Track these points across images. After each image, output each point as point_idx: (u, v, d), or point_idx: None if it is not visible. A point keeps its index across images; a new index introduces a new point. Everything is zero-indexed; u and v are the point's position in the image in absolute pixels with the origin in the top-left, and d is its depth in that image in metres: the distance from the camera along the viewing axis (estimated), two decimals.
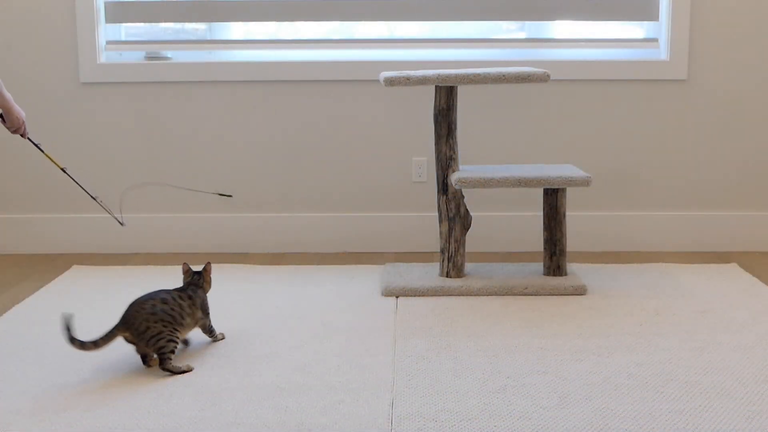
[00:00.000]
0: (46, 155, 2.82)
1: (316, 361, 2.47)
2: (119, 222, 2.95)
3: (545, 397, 2.21)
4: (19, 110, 2.73)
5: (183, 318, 2.49)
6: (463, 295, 3.07)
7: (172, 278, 3.32)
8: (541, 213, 3.24)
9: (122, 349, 2.57)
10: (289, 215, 3.76)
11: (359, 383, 2.30)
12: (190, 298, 2.55)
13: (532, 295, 3.07)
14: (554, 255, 3.19)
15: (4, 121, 2.72)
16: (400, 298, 3.04)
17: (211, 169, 3.74)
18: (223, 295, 3.11)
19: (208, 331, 2.62)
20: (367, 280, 3.28)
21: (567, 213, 3.51)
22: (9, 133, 2.75)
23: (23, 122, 2.75)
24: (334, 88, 3.68)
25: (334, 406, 2.16)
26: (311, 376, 2.36)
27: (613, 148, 3.71)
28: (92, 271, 3.46)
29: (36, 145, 2.81)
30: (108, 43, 3.71)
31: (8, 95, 2.71)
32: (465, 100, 3.60)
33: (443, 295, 3.07)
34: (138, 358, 2.47)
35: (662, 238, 3.75)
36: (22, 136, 2.77)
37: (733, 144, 3.71)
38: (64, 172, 2.87)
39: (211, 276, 2.68)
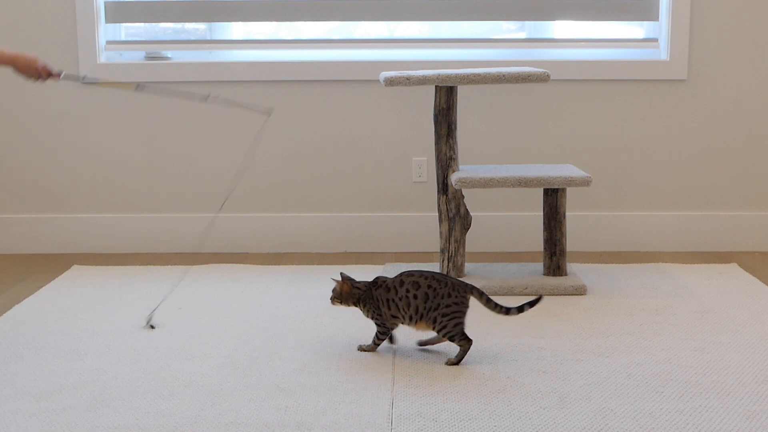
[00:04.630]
0: (104, 83, 2.72)
1: (316, 361, 2.47)
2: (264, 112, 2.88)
3: (545, 397, 2.21)
4: (26, 56, 2.60)
5: None
6: None
7: (171, 278, 3.33)
8: (541, 213, 3.24)
9: (121, 349, 2.57)
10: (289, 215, 3.76)
11: (359, 383, 2.30)
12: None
13: (532, 295, 3.07)
14: (554, 255, 3.19)
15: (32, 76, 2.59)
16: None
17: (211, 169, 3.74)
18: (224, 295, 3.11)
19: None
20: (367, 280, 3.27)
21: (567, 213, 3.51)
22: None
23: (41, 66, 2.61)
24: (334, 88, 3.68)
25: (334, 406, 2.16)
26: (311, 376, 2.36)
27: (614, 148, 3.71)
28: (92, 271, 3.46)
29: (82, 79, 2.71)
30: (108, 43, 3.71)
31: (5, 50, 2.57)
32: (465, 100, 3.60)
33: None
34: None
35: (662, 238, 3.75)
36: (51, 76, 2.64)
37: (733, 144, 3.71)
38: (138, 88, 2.78)
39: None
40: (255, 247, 3.77)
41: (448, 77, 3.04)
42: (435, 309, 2.43)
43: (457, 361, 2.43)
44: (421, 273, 2.48)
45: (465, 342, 2.45)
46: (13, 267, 3.56)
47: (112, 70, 3.67)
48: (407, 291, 2.45)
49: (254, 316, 2.88)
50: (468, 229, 3.20)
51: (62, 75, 2.72)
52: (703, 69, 3.66)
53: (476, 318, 2.82)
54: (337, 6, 3.68)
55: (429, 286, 2.44)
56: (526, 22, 3.77)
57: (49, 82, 2.71)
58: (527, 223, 3.71)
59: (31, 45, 3.64)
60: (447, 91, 3.13)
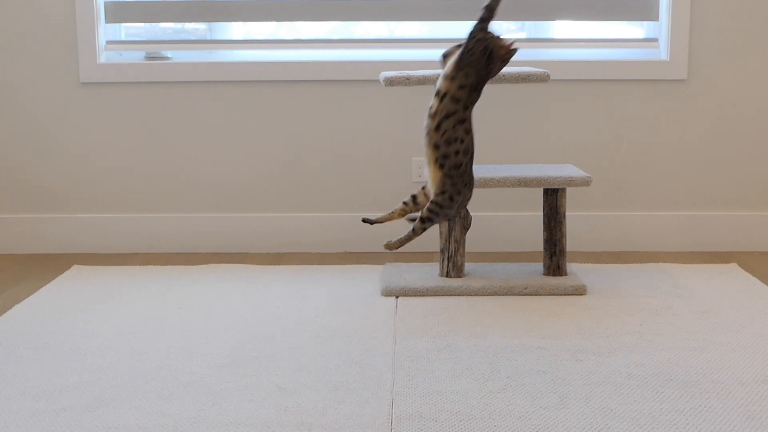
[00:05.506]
0: None
1: (316, 361, 2.47)
2: None
3: (545, 397, 2.21)
4: None
5: None
6: (463, 295, 3.07)
7: (171, 278, 3.33)
8: (541, 213, 3.24)
9: (121, 349, 2.57)
10: (289, 215, 3.76)
11: (359, 383, 2.30)
12: None
13: (532, 295, 3.07)
14: (554, 255, 3.19)
15: None
16: (400, 298, 3.04)
17: (210, 169, 3.74)
18: (224, 295, 3.11)
19: None
20: (367, 280, 3.28)
21: (567, 213, 3.51)
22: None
23: None
24: (334, 88, 3.69)
25: (334, 406, 2.16)
26: (311, 376, 2.36)
27: (613, 148, 3.71)
28: (92, 271, 3.46)
29: None
30: (108, 43, 3.71)
31: None
32: None
33: (443, 295, 3.07)
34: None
35: (662, 238, 3.75)
36: None
37: (733, 144, 3.71)
38: None
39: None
40: (255, 247, 3.77)
41: None
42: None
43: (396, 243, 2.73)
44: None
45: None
46: (13, 267, 3.56)
47: (112, 70, 3.67)
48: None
49: (254, 316, 2.88)
50: (468, 229, 3.20)
51: None
52: (703, 69, 3.66)
53: (476, 318, 2.83)
54: (337, 6, 3.68)
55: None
56: (526, 22, 3.77)
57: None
58: (527, 223, 3.71)
59: (30, 45, 3.65)
60: None
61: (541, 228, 3.25)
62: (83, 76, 3.66)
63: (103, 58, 3.70)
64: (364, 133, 3.72)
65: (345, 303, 3.00)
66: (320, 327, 2.76)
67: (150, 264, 3.58)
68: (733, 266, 3.45)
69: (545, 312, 2.88)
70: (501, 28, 3.80)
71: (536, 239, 3.61)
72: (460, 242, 3.18)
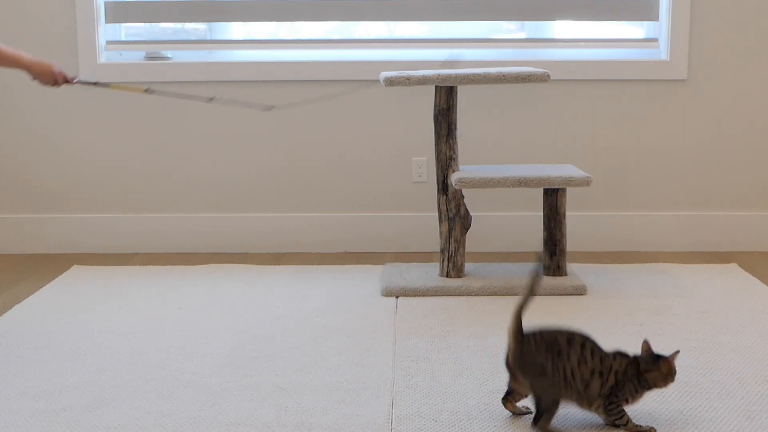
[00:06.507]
0: (115, 87, 2.86)
1: (316, 361, 2.47)
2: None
3: None
4: (42, 63, 2.70)
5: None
6: (463, 295, 3.07)
7: (171, 278, 3.33)
8: (541, 213, 3.24)
9: (121, 349, 2.57)
10: (289, 215, 3.76)
11: (359, 383, 2.30)
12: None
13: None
14: (554, 255, 3.19)
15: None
16: (400, 298, 3.04)
17: (211, 169, 3.74)
18: (224, 295, 3.11)
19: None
20: (367, 280, 3.28)
21: (567, 213, 3.51)
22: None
23: (57, 72, 2.71)
24: (334, 88, 3.68)
25: (334, 406, 2.16)
26: (311, 376, 2.36)
27: (613, 148, 3.71)
28: (92, 271, 3.46)
29: (95, 84, 2.83)
30: (108, 43, 3.71)
31: (19, 54, 2.67)
32: (465, 100, 3.60)
33: (443, 295, 3.07)
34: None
35: (662, 238, 3.75)
36: (68, 82, 2.74)
37: (733, 144, 3.71)
38: (148, 91, 2.97)
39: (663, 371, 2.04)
40: (255, 247, 3.77)
41: (448, 77, 3.04)
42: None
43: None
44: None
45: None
46: (13, 267, 3.56)
47: (112, 70, 3.67)
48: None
49: (254, 316, 2.88)
50: (468, 229, 3.20)
51: (76, 80, 2.81)
52: (703, 69, 3.66)
53: (476, 318, 2.83)
54: (337, 6, 3.68)
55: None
56: (526, 22, 3.77)
57: (65, 86, 2.82)
58: (527, 223, 3.70)
59: (31, 45, 3.64)
60: (447, 91, 3.13)
61: (541, 228, 3.25)
62: (83, 76, 3.66)
63: (103, 58, 3.69)
64: (364, 133, 3.72)
65: (345, 303, 3.00)
66: (320, 327, 2.76)
67: (150, 264, 3.58)
68: (733, 266, 3.45)
69: (545, 312, 2.88)
70: (501, 29, 3.80)
71: (536, 239, 3.60)
72: (460, 242, 3.18)
